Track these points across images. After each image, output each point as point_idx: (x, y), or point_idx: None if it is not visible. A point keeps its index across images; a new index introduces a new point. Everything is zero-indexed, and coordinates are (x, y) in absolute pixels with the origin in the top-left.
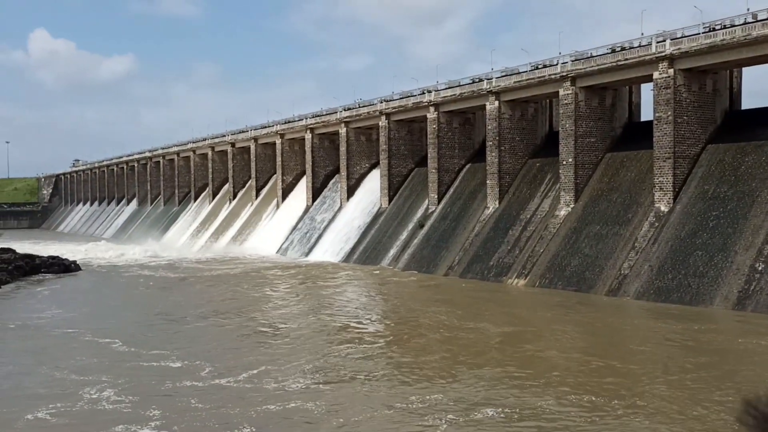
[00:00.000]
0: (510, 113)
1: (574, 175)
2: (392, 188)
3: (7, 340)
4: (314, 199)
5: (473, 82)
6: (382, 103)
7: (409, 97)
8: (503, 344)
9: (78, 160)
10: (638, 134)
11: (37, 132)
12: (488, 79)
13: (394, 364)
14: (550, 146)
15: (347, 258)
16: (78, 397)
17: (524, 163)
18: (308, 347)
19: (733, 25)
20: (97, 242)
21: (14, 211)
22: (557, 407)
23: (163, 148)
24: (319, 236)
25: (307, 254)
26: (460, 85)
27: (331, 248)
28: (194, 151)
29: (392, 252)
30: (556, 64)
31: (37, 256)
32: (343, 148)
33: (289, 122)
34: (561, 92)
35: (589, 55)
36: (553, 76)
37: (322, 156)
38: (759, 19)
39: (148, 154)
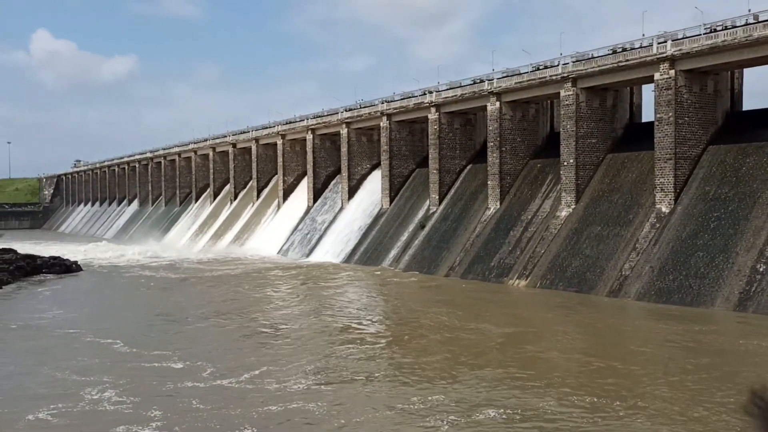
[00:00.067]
0: (511, 114)
1: (575, 176)
2: (393, 189)
3: (8, 340)
4: (315, 199)
5: (474, 83)
6: (383, 103)
7: (410, 97)
8: (504, 345)
9: (79, 161)
10: (639, 135)
11: (38, 132)
12: (489, 80)
13: (395, 364)
14: (551, 147)
15: (348, 259)
16: (79, 397)
17: (525, 163)
18: (309, 348)
19: (734, 26)
20: (98, 243)
21: (15, 211)
22: (558, 408)
23: (164, 149)
24: (320, 237)
25: (308, 255)
26: (461, 86)
27: (332, 249)
28: (195, 152)
29: (393, 253)
30: (557, 65)
31: (39, 257)
32: (344, 149)
33: (290, 123)
34: (562, 93)
35: (590, 56)
36: (554, 77)
37: (323, 157)
38: (760, 20)
39: (149, 155)
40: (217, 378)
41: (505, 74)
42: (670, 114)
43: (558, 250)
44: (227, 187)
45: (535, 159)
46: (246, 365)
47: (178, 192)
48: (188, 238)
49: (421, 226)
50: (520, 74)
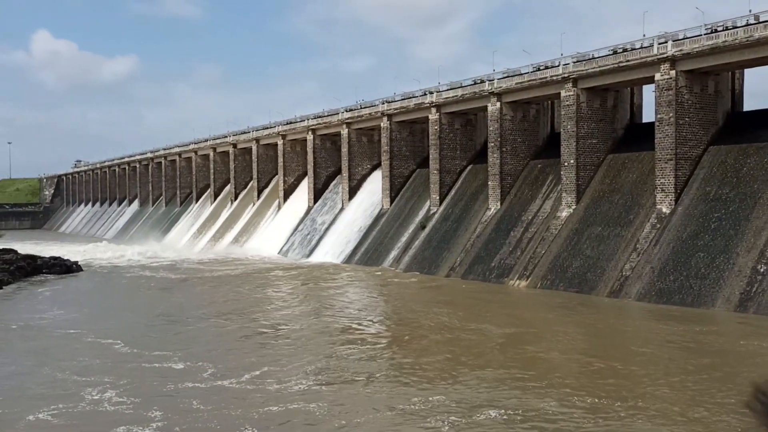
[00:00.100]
0: (512, 114)
1: (576, 176)
2: (394, 189)
3: (9, 340)
4: (316, 200)
5: (475, 84)
6: (383, 104)
7: (410, 98)
8: (505, 345)
9: (80, 161)
10: (640, 136)
11: (39, 132)
12: (490, 81)
13: (396, 365)
14: (552, 147)
15: (349, 259)
16: (80, 398)
17: (526, 164)
18: (310, 348)
19: (735, 27)
20: (98, 243)
21: (16, 211)
22: (559, 409)
23: (164, 149)
24: (321, 237)
25: (308, 255)
26: (461, 87)
27: (333, 249)
28: (196, 152)
29: (394, 253)
30: (558, 66)
31: (39, 257)
32: (344, 149)
33: (290, 123)
34: (563, 93)
35: (590, 56)
36: (554, 78)
37: (324, 157)
38: (761, 20)
39: (149, 155)
40: (218, 378)
41: (505, 75)
42: (671, 114)
43: (558, 251)
44: (228, 187)
45: (535, 159)
46: (247, 365)
47: (178, 192)
48: (189, 239)
49: (422, 226)
50: (521, 75)
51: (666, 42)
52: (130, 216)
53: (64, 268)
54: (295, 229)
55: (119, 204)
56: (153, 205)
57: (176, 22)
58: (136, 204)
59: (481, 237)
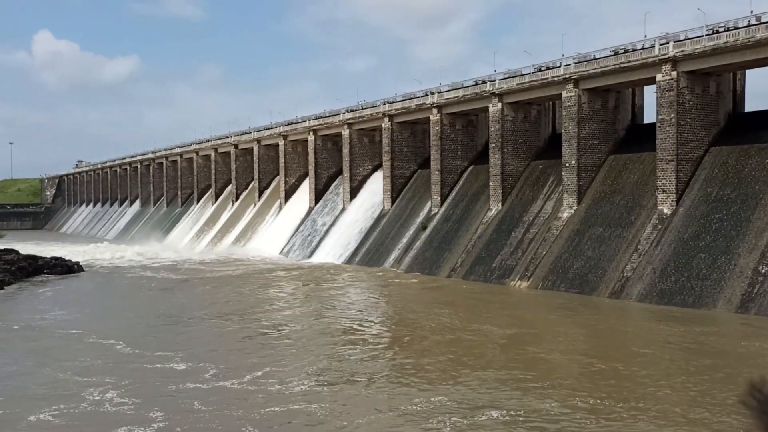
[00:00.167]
0: (513, 115)
1: (577, 177)
2: (395, 190)
3: (10, 340)
4: (317, 200)
5: (476, 84)
6: (385, 104)
7: (412, 98)
8: (506, 346)
9: (81, 161)
10: (641, 136)
11: (40, 133)
12: (491, 81)
13: (397, 365)
14: (553, 148)
15: (350, 260)
16: (81, 398)
17: (527, 165)
18: (312, 349)
19: (736, 28)
20: (99, 243)
21: (17, 212)
22: (561, 409)
23: (166, 150)
24: (322, 238)
25: (309, 256)
26: (463, 87)
27: (334, 250)
28: (197, 153)
29: (395, 254)
30: (559, 66)
31: (40, 257)
32: (345, 150)
33: (292, 124)
34: (564, 94)
35: (592, 57)
36: (556, 78)
37: (325, 158)
38: (762, 21)
39: (151, 156)
40: (220, 379)
41: (507, 75)
42: (672, 115)
43: (560, 252)
44: (229, 188)
45: (536, 160)
46: (248, 366)
47: (179, 193)
48: (190, 239)
49: (423, 227)
50: (522, 75)
51: (667, 43)
52: (132, 216)
53: (65, 268)
54: (297, 229)
55: (120, 204)
56: (154, 206)
57: (177, 22)
58: (137, 204)
59: (483, 238)
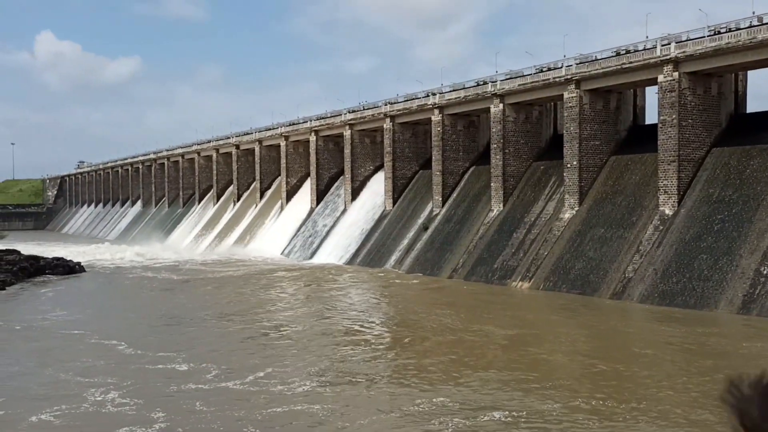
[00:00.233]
0: (514, 116)
1: (579, 178)
2: (396, 190)
3: (12, 341)
4: (318, 201)
5: (478, 85)
6: (386, 105)
7: (413, 99)
8: (508, 347)
9: (83, 162)
10: (643, 137)
11: (42, 133)
12: (493, 82)
13: (399, 366)
14: (555, 149)
15: (351, 260)
16: (82, 398)
17: (528, 165)
18: (313, 350)
19: (738, 29)
20: (101, 244)
21: (19, 212)
22: (563, 410)
23: (167, 150)
24: (323, 238)
25: (311, 256)
26: (464, 88)
27: (335, 250)
28: (199, 153)
29: (396, 254)
30: (561, 67)
31: (42, 258)
32: (347, 151)
33: (293, 124)
34: (565, 95)
35: (593, 58)
36: (557, 79)
37: (327, 158)
38: (764, 22)
39: (152, 156)
40: (221, 380)
41: (508, 76)
42: (674, 116)
43: (561, 252)
44: (230, 188)
45: (538, 161)
46: (250, 367)
47: (181, 193)
48: (191, 240)
49: (425, 227)
50: (524, 76)
51: (669, 44)
52: (133, 217)
53: (67, 268)
54: (298, 230)
55: (122, 205)
56: (156, 206)
57: (178, 23)
58: (138, 205)
59: (484, 238)
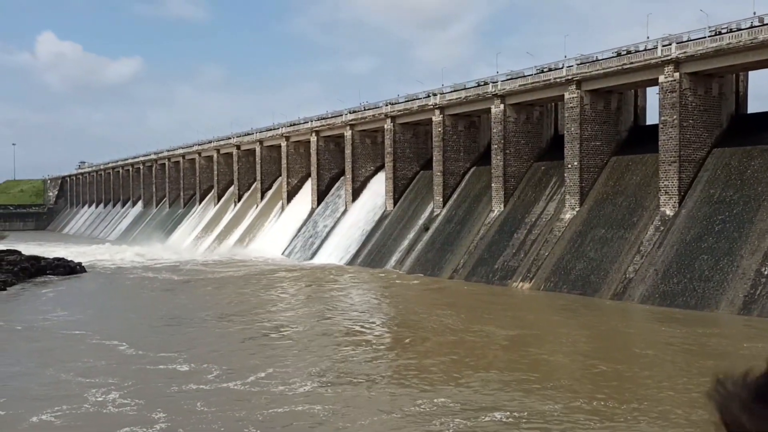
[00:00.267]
0: (515, 116)
1: (579, 178)
2: (397, 191)
3: (13, 341)
4: (319, 201)
5: (478, 86)
6: (387, 105)
7: (414, 100)
8: (509, 347)
9: (84, 162)
10: (644, 138)
11: (43, 134)
12: (493, 83)
13: (399, 367)
14: (555, 149)
15: (352, 260)
16: (83, 399)
17: (529, 166)
18: (314, 350)
19: (739, 29)
20: (101, 244)
21: (20, 212)
22: (563, 411)
23: (168, 150)
24: (324, 239)
25: (311, 257)
26: (465, 88)
27: (336, 251)
28: (199, 154)
29: (397, 255)
30: (562, 68)
31: (43, 258)
32: (348, 151)
33: (294, 125)
34: (566, 96)
35: (594, 58)
36: (558, 80)
37: (327, 159)
38: (765, 22)
39: (153, 156)
40: (222, 380)
41: (509, 77)
42: (675, 117)
43: (562, 253)
44: (231, 188)
45: (539, 161)
46: (251, 367)
47: (182, 194)
48: (192, 240)
49: (425, 228)
50: (525, 77)
51: (670, 44)
52: (134, 217)
53: (67, 269)
54: (299, 230)
55: (123, 205)
56: (156, 207)
57: (179, 23)
58: (139, 205)
59: (485, 239)
